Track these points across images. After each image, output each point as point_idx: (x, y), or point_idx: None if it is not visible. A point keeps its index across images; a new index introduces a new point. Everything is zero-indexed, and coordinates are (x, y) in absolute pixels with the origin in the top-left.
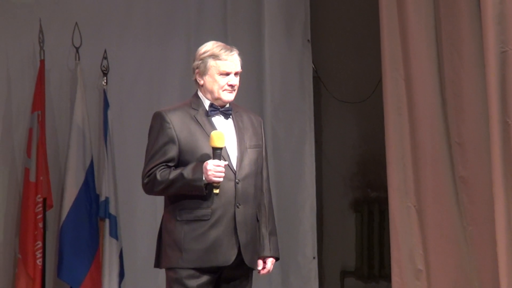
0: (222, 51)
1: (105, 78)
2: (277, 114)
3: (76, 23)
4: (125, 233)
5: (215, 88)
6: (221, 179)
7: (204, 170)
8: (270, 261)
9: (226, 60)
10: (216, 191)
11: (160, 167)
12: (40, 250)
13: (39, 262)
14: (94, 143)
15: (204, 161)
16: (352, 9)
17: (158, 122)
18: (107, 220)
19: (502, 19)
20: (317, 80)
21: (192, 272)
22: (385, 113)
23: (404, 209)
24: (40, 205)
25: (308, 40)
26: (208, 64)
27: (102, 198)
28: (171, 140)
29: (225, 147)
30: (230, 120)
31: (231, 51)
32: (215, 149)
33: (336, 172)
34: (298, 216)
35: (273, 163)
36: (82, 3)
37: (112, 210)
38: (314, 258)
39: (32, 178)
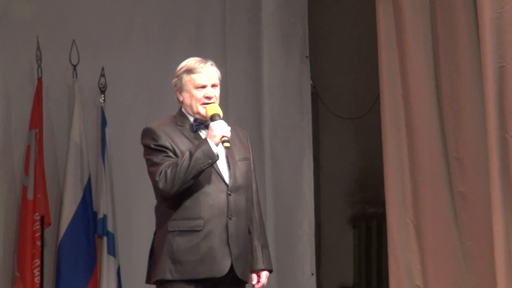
0: (196, 64)
1: (102, 95)
2: (275, 130)
3: (74, 40)
4: (123, 251)
5: (193, 103)
6: (228, 133)
7: (208, 133)
8: (264, 274)
9: (200, 73)
10: (227, 144)
11: (166, 164)
12: (38, 268)
13: (37, 280)
14: (92, 161)
15: None
16: (350, 26)
17: (150, 137)
18: (105, 238)
19: (500, 34)
20: (315, 96)
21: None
22: (383, 128)
23: (402, 225)
24: (38, 223)
25: (307, 56)
26: (184, 79)
27: (100, 216)
28: (169, 149)
29: (216, 160)
30: None
31: (205, 63)
32: (213, 116)
33: (334, 188)
34: (297, 232)
35: (272, 179)
36: (80, 20)
37: (110, 228)
38: (312, 274)
39: (30, 196)
